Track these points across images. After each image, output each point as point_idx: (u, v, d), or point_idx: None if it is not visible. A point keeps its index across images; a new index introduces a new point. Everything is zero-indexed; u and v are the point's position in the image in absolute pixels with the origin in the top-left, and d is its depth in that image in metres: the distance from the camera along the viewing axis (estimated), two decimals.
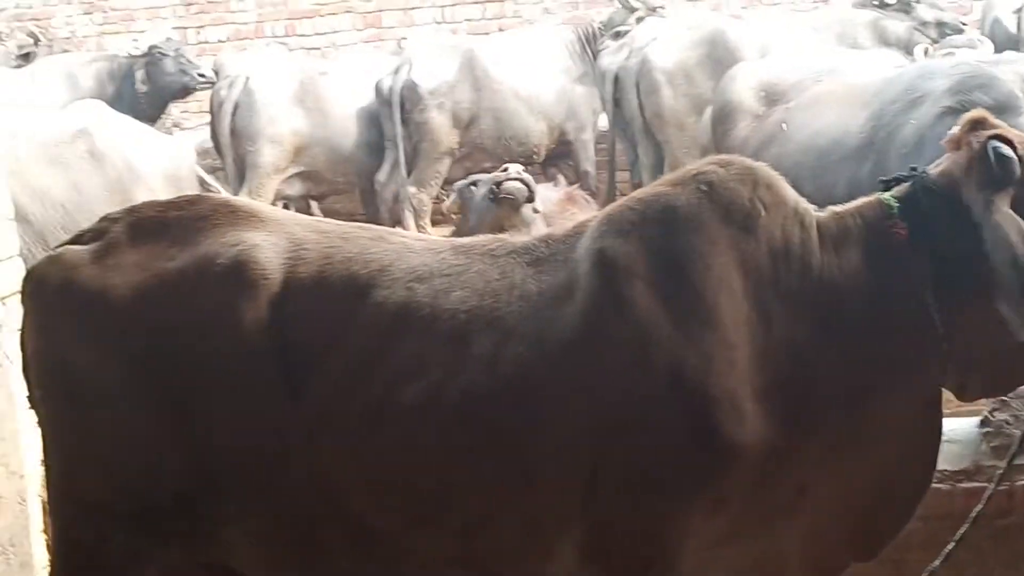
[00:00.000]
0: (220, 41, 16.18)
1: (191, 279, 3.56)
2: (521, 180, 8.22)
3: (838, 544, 3.57)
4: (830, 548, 3.56)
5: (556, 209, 7.86)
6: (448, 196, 9.44)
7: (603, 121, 12.11)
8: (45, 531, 5.32)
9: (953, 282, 3.43)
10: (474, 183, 8.70)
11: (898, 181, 3.57)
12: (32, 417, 5.22)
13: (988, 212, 3.37)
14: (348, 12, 16.04)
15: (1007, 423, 4.71)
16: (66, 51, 14.79)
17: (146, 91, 12.77)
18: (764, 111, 7.89)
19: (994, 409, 4.74)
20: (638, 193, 3.63)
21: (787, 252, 3.42)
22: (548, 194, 8.59)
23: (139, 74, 12.77)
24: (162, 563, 3.64)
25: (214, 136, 11.91)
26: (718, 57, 10.63)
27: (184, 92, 13.23)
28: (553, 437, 3.36)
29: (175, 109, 14.30)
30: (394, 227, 7.01)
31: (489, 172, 11.89)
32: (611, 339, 3.35)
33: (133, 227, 3.71)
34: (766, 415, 3.31)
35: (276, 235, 3.63)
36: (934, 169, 3.53)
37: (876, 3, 11.84)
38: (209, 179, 9.26)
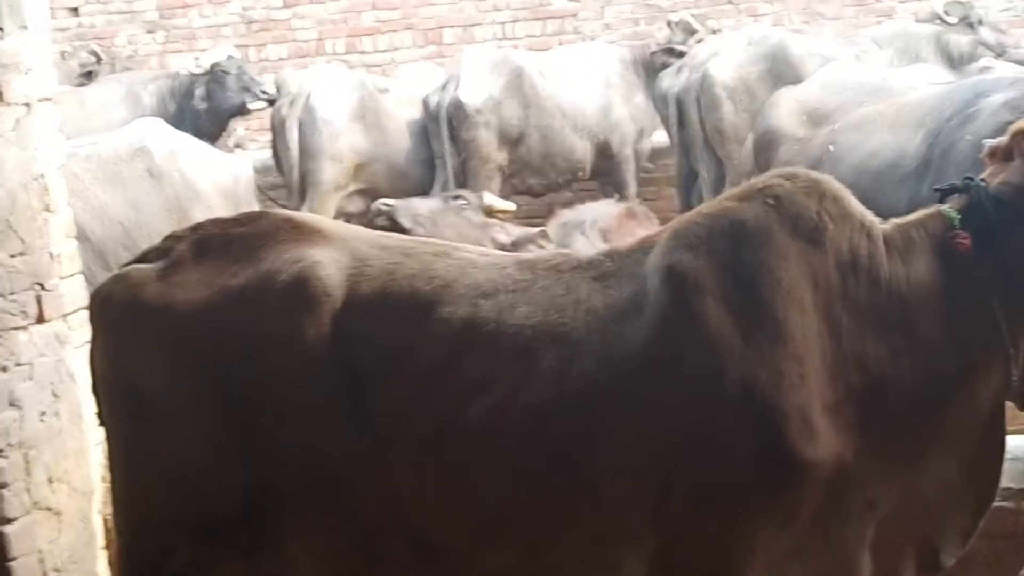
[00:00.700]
0: (281, 59, 16.24)
1: (253, 296, 3.59)
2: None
3: (904, 560, 3.55)
4: (896, 564, 3.54)
5: (614, 225, 7.74)
6: None
7: (659, 137, 12.06)
8: (107, 548, 5.34)
9: (1019, 290, 3.42)
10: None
11: (953, 190, 3.57)
12: (95, 435, 5.26)
13: None
14: (409, 29, 16.07)
15: None
16: (128, 69, 14.89)
17: (207, 109, 12.84)
18: (807, 134, 7.84)
19: None
20: (705, 208, 3.63)
21: (855, 264, 3.43)
22: (606, 210, 8.49)
23: (200, 92, 12.83)
24: None
25: (275, 154, 11.96)
26: (779, 72, 10.57)
27: (245, 110, 13.29)
28: (621, 453, 3.37)
29: (237, 127, 14.36)
30: None
31: (535, 190, 11.91)
32: (682, 355, 3.36)
33: (197, 245, 3.75)
34: (837, 430, 3.32)
35: (338, 251, 3.64)
36: (990, 179, 3.52)
37: (939, 20, 11.75)
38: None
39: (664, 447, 3.34)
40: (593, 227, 7.73)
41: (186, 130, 11.03)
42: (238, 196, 8.04)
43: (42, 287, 4.99)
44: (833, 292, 3.40)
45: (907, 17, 12.65)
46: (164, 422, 3.63)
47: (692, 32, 12.65)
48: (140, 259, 3.86)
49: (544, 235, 7.27)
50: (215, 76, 12.87)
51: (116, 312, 3.76)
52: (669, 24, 13.06)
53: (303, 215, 4.02)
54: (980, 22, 11.78)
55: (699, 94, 10.93)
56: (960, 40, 11.65)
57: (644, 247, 3.57)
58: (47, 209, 5.06)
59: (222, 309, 3.61)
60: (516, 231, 7.59)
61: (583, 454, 3.39)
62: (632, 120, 12.16)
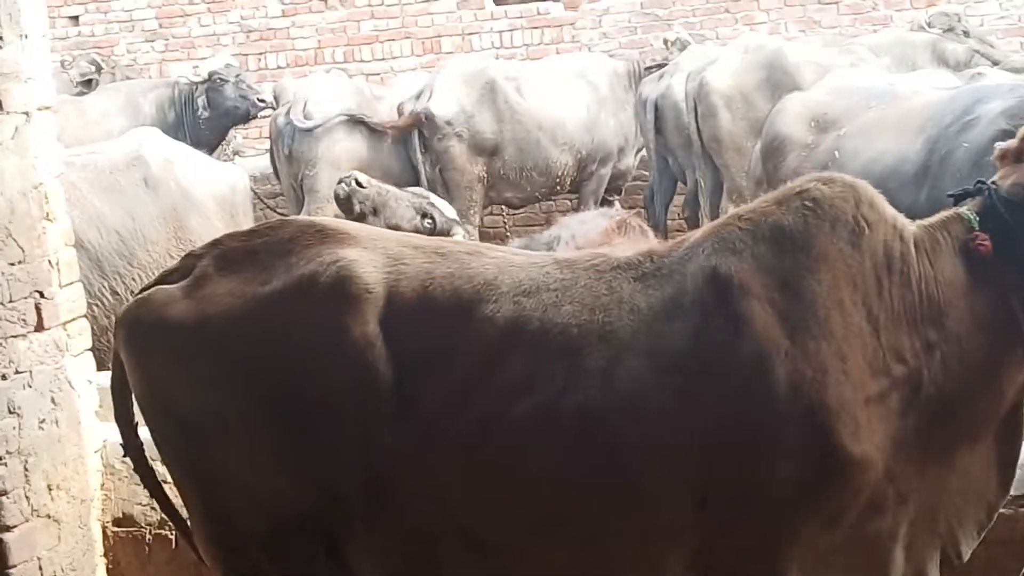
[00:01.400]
0: (280, 67, 16.29)
1: (292, 299, 3.60)
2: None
3: (930, 552, 3.63)
4: (923, 558, 3.62)
5: (597, 240, 7.61)
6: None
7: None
8: (105, 555, 5.36)
9: None
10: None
11: (966, 194, 3.66)
12: (94, 442, 5.29)
13: None
14: (407, 38, 16.11)
15: None
16: (128, 78, 14.92)
17: (207, 117, 12.88)
18: (814, 140, 7.85)
19: None
20: (743, 211, 3.69)
21: (889, 265, 3.53)
22: (597, 222, 8.38)
23: (200, 100, 12.87)
24: None
25: (273, 161, 11.98)
26: (776, 80, 10.59)
27: (245, 118, 13.33)
28: (666, 451, 3.43)
29: (236, 135, 14.39)
30: None
31: (512, 203, 11.89)
32: (726, 354, 3.42)
33: (220, 259, 3.75)
34: (877, 424, 3.40)
35: (371, 251, 3.66)
36: (1001, 181, 3.60)
37: (934, 29, 11.78)
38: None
39: (708, 446, 3.40)
40: (571, 243, 7.61)
41: (186, 138, 11.07)
42: (234, 205, 8.03)
43: (41, 295, 4.99)
44: (870, 291, 3.49)
45: (903, 26, 12.66)
46: (219, 439, 3.63)
47: (684, 47, 12.67)
48: (159, 280, 3.83)
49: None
50: (213, 84, 12.91)
51: (146, 336, 3.74)
52: (666, 43, 13.08)
53: (325, 219, 4.01)
54: (966, 33, 11.81)
55: (696, 101, 10.95)
56: (956, 48, 11.68)
57: (682, 249, 3.62)
58: (46, 217, 5.07)
59: (259, 317, 3.61)
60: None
61: (629, 453, 3.44)
62: (617, 135, 12.14)
